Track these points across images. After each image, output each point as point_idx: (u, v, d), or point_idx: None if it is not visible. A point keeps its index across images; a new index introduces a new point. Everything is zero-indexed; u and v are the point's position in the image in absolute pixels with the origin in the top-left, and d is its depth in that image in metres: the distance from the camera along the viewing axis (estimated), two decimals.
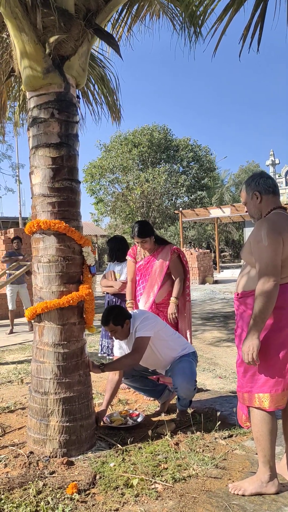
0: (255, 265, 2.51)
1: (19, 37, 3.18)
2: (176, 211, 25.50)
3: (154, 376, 4.13)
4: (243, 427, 2.93)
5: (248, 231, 25.03)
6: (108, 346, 4.99)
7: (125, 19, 4.60)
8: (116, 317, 3.56)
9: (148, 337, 3.54)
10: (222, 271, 24.03)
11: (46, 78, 3.22)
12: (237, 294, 2.70)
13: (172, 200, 31.99)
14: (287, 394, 2.51)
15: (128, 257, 4.67)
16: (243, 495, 2.55)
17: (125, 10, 4.52)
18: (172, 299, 4.36)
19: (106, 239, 32.01)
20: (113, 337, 3.76)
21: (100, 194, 31.05)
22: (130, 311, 3.80)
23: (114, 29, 4.70)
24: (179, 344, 3.80)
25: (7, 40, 3.80)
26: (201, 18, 3.78)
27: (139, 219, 29.27)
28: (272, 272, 2.39)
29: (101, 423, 3.62)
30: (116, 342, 3.86)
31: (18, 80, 4.40)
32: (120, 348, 3.83)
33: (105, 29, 3.73)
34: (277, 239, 2.42)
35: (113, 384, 3.71)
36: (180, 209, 25.95)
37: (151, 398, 4.25)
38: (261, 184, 2.65)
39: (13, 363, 6.43)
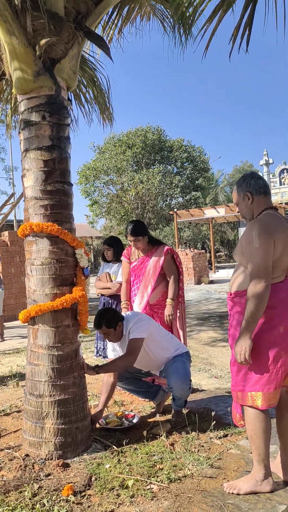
0: (247, 266, 2.53)
1: (9, 40, 3.18)
2: (171, 212, 25.51)
3: (149, 378, 4.14)
4: (237, 426, 2.94)
5: (243, 231, 25.04)
6: (103, 348, 4.99)
7: (115, 21, 4.61)
8: (109, 320, 3.56)
9: (142, 338, 3.55)
10: (218, 271, 24.06)
11: (36, 81, 3.23)
12: (230, 294, 2.71)
13: (166, 201, 32.00)
14: (279, 392, 2.53)
15: (122, 258, 4.67)
16: (238, 494, 2.56)
17: (115, 12, 4.53)
18: (168, 300, 4.36)
19: (102, 241, 32.00)
20: (107, 340, 3.76)
21: (94, 196, 31.01)
22: (123, 313, 3.81)
23: (105, 31, 4.71)
24: (172, 345, 3.81)
25: None
26: (190, 19, 3.79)
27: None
28: (263, 274, 2.41)
29: (97, 425, 3.62)
30: (110, 345, 3.86)
31: (9, 83, 4.40)
32: (113, 350, 3.83)
33: (96, 31, 3.74)
34: (268, 240, 2.44)
35: (109, 386, 3.71)
36: (175, 209, 25.97)
37: (146, 400, 4.25)
38: (252, 184, 2.67)
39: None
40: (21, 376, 5.68)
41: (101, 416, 3.69)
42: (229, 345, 2.84)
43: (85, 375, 3.43)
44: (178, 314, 4.50)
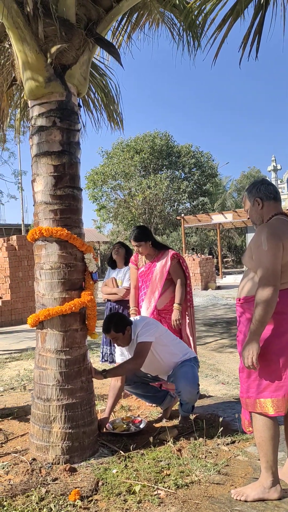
0: (256, 270, 2.52)
1: (21, 46, 3.22)
2: (178, 217, 25.52)
3: (157, 383, 4.13)
4: (246, 432, 2.93)
5: (250, 237, 25.02)
6: (109, 354, 4.99)
7: (125, 27, 4.65)
8: (117, 324, 3.57)
9: (150, 342, 3.56)
10: (225, 276, 24.01)
11: (48, 87, 3.26)
12: (239, 300, 2.71)
13: (174, 206, 32.02)
14: None
15: (130, 264, 4.69)
16: (246, 501, 2.55)
17: (125, 18, 4.57)
18: (175, 305, 4.36)
19: (109, 246, 32.05)
20: (115, 344, 3.77)
21: (102, 201, 31.13)
22: (131, 318, 3.81)
23: (114, 37, 4.74)
24: (180, 350, 3.82)
25: (9, 50, 3.85)
26: (199, 27, 3.82)
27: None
28: (271, 277, 2.40)
29: (104, 430, 3.62)
30: (118, 349, 3.87)
31: (20, 88, 4.45)
32: (122, 355, 3.84)
33: (105, 37, 3.77)
34: (277, 244, 2.43)
35: (116, 390, 3.71)
36: (182, 215, 25.97)
37: (153, 405, 4.25)
38: (262, 190, 2.68)
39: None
40: (28, 380, 5.69)
41: (107, 421, 3.69)
42: (237, 351, 2.84)
43: (93, 379, 3.43)
44: (187, 320, 4.50)
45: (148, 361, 3.60)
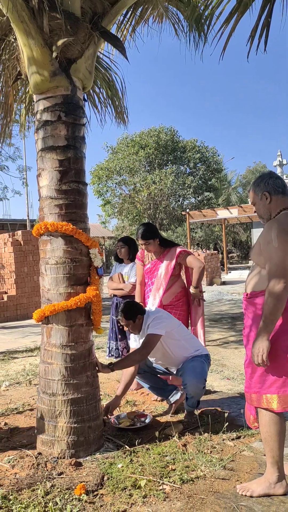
0: (265, 266, 2.51)
1: (26, 40, 3.20)
2: (183, 213, 25.47)
3: (164, 376, 4.14)
4: (251, 428, 2.92)
5: (255, 232, 24.94)
6: (116, 349, 4.99)
7: (129, 21, 4.61)
8: (128, 312, 3.65)
9: (159, 335, 3.58)
10: (230, 272, 23.97)
11: (53, 81, 3.24)
12: (246, 295, 2.69)
13: (179, 201, 31.97)
14: None
15: (136, 260, 4.70)
16: (251, 496, 2.55)
17: (129, 12, 4.53)
18: (192, 288, 4.40)
19: (114, 241, 32.04)
20: (128, 331, 3.84)
21: (107, 196, 31.11)
22: (146, 308, 3.86)
23: (119, 30, 4.71)
24: (192, 345, 3.84)
25: (14, 44, 3.83)
26: (206, 22, 3.78)
27: (146, 221, 29.32)
28: (281, 274, 2.39)
29: (112, 415, 3.66)
30: (132, 336, 3.96)
31: (25, 82, 4.43)
32: (135, 341, 3.92)
33: (110, 31, 3.74)
34: (287, 240, 2.41)
35: (129, 375, 3.76)
36: (187, 210, 25.93)
37: (159, 399, 4.25)
38: (270, 184, 2.63)
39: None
40: (34, 375, 5.71)
41: (118, 403, 3.76)
42: (242, 347, 2.82)
43: (97, 373, 3.43)
44: (200, 312, 4.51)
45: (160, 353, 3.69)
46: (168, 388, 4.02)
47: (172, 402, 3.99)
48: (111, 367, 3.50)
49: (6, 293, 12.34)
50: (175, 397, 3.98)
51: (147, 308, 3.86)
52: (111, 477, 2.83)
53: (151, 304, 4.40)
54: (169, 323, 3.71)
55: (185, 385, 3.63)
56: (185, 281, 4.66)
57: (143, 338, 3.67)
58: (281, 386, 2.47)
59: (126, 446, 3.27)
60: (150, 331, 3.60)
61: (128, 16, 4.60)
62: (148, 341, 3.57)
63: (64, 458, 3.11)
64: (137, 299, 4.60)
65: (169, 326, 3.68)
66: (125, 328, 3.82)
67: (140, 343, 3.79)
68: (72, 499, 2.59)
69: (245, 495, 2.56)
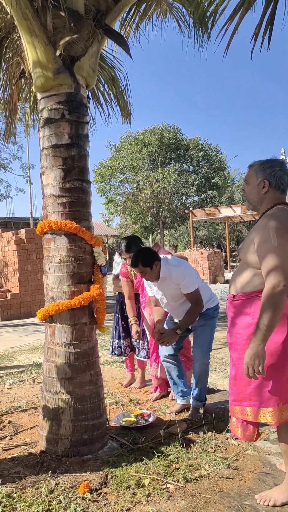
0: (257, 266, 2.32)
1: (30, 38, 3.19)
2: (186, 211, 25.45)
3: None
4: (236, 437, 2.81)
5: None
6: (118, 347, 4.97)
7: (133, 17, 4.59)
8: (145, 258, 3.60)
9: (197, 287, 3.69)
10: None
11: (56, 79, 3.23)
12: (233, 297, 2.49)
13: (182, 199, 31.89)
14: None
15: (121, 277, 4.65)
16: (274, 506, 2.42)
17: (133, 9, 4.51)
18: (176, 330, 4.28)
19: (117, 239, 32.03)
20: (144, 279, 3.81)
21: (110, 194, 31.07)
22: (161, 256, 3.77)
23: (123, 27, 4.69)
24: (205, 295, 3.86)
25: (18, 42, 3.82)
26: (211, 19, 3.76)
27: (149, 219, 29.28)
28: (281, 275, 2.17)
29: (161, 331, 3.74)
30: (146, 285, 3.98)
31: (29, 81, 4.42)
32: (151, 289, 3.95)
33: (114, 28, 3.72)
34: (287, 238, 2.24)
35: (161, 314, 3.94)
36: (191, 208, 25.90)
37: (169, 397, 4.26)
38: (276, 176, 2.43)
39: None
40: (37, 373, 5.72)
41: (161, 326, 3.87)
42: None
43: (101, 372, 3.43)
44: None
45: (176, 305, 3.79)
46: (186, 387, 4.00)
47: (182, 402, 3.97)
48: (177, 331, 3.66)
49: (9, 291, 12.37)
50: (187, 399, 3.95)
51: (162, 256, 3.79)
52: (115, 475, 2.83)
53: (148, 315, 4.39)
54: (193, 274, 3.75)
55: (193, 362, 3.84)
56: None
57: (165, 286, 3.71)
58: (279, 400, 2.32)
59: (129, 444, 3.27)
60: (188, 290, 3.64)
61: (131, 13, 4.58)
62: (194, 297, 3.67)
63: (67, 456, 3.11)
64: (130, 314, 4.57)
65: (195, 277, 3.76)
66: (141, 276, 3.76)
67: (155, 290, 3.87)
68: (76, 498, 2.59)
69: (268, 505, 2.43)
